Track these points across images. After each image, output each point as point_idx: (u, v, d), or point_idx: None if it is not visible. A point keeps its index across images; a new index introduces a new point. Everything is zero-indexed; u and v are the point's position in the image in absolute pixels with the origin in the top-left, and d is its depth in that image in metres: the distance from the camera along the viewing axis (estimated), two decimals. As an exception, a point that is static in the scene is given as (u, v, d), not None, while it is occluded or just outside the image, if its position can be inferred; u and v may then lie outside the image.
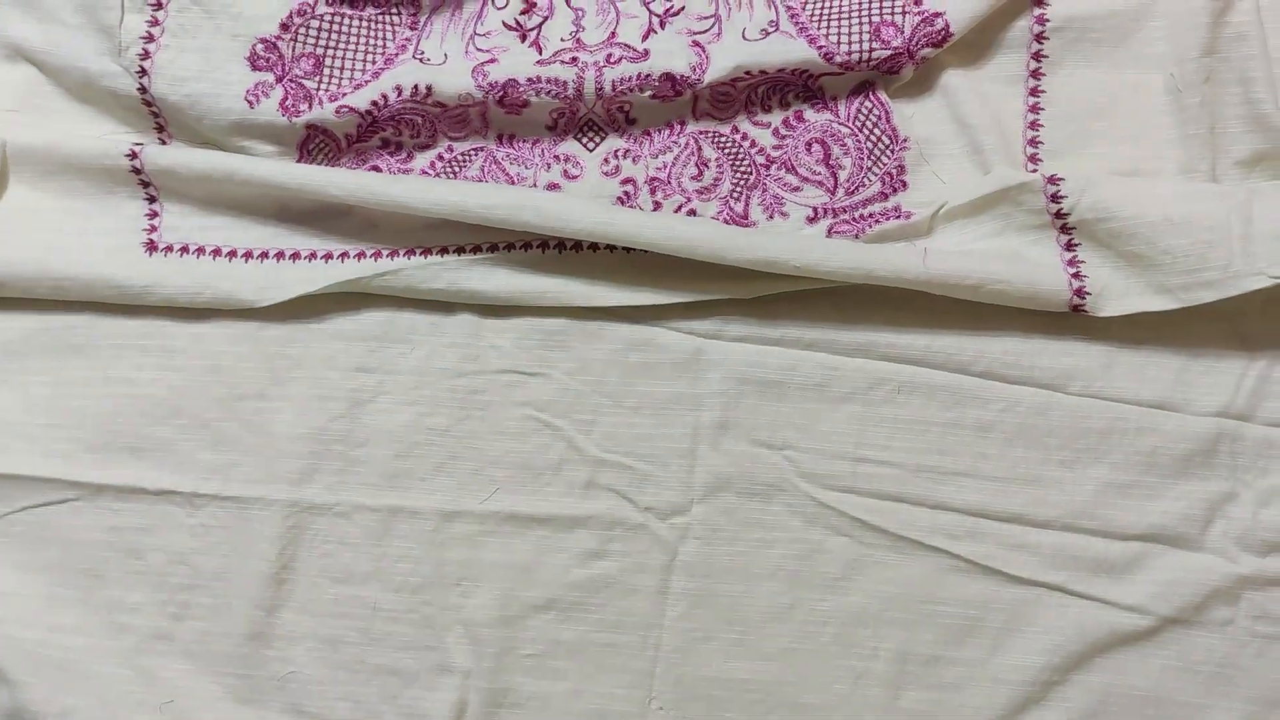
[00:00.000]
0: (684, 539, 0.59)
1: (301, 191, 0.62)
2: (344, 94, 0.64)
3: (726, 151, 0.64)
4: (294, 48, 0.65)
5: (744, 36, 0.64)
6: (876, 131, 0.63)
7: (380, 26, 0.66)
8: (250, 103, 0.64)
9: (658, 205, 0.63)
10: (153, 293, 0.62)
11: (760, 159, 0.64)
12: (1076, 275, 0.58)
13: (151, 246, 0.65)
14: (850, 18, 0.63)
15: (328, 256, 0.63)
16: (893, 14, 0.63)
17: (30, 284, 0.63)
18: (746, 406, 0.60)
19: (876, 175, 0.63)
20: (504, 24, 0.65)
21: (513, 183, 0.64)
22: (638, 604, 0.59)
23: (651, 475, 0.60)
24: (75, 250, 0.64)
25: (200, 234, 0.65)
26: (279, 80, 0.65)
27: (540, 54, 0.64)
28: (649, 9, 0.65)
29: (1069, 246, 0.59)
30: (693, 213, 0.63)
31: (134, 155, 0.63)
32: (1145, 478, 0.58)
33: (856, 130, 0.64)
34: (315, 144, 0.65)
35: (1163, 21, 0.62)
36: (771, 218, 0.63)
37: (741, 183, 0.64)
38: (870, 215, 0.62)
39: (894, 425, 0.60)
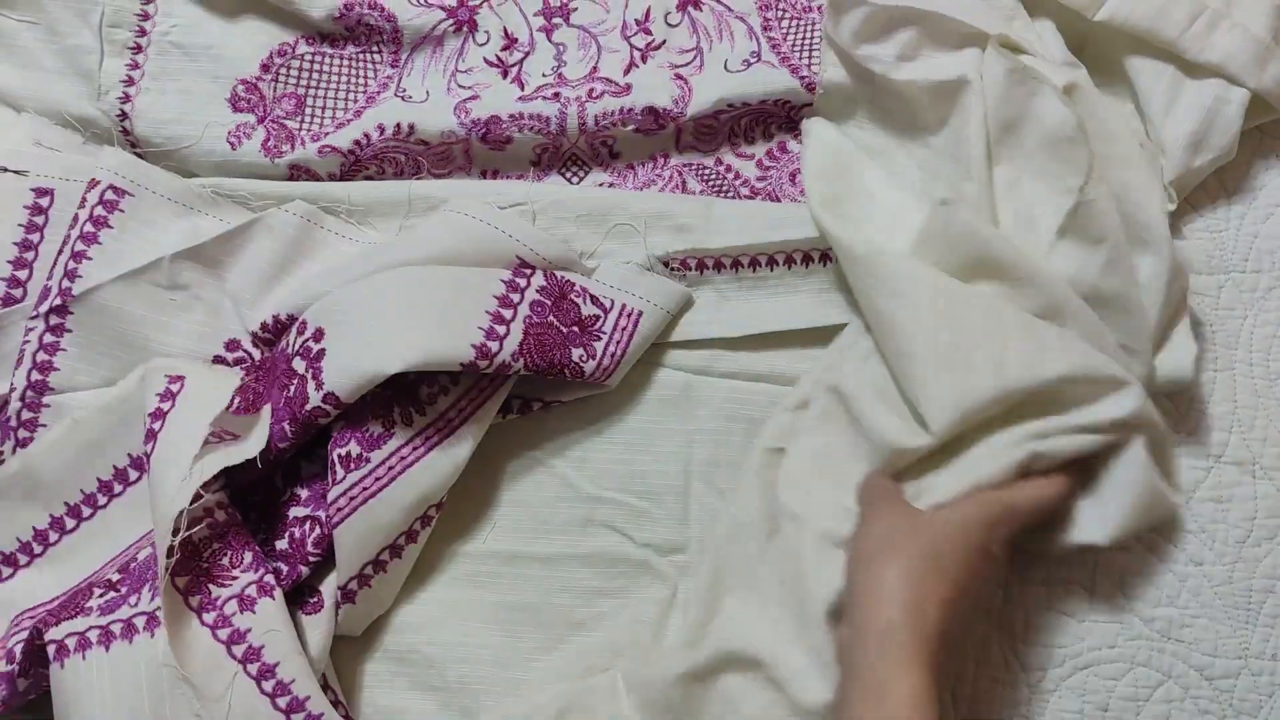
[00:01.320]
0: (684, 575, 0.59)
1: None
2: (326, 133, 0.64)
3: (710, 184, 0.64)
4: (275, 88, 0.65)
5: (726, 68, 0.64)
6: (859, 160, 0.63)
7: (361, 65, 0.65)
8: (232, 144, 0.64)
9: (644, 239, 0.63)
10: None
11: (744, 190, 0.64)
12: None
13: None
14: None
15: None
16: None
17: None
18: (735, 444, 0.60)
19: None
20: (485, 60, 0.65)
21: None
22: (641, 642, 0.58)
23: (648, 512, 0.60)
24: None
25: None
26: (261, 121, 0.64)
27: (522, 90, 0.64)
28: (630, 43, 0.65)
29: None
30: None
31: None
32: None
33: (840, 159, 0.63)
34: (299, 184, 0.64)
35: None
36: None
37: (726, 214, 0.63)
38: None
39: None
